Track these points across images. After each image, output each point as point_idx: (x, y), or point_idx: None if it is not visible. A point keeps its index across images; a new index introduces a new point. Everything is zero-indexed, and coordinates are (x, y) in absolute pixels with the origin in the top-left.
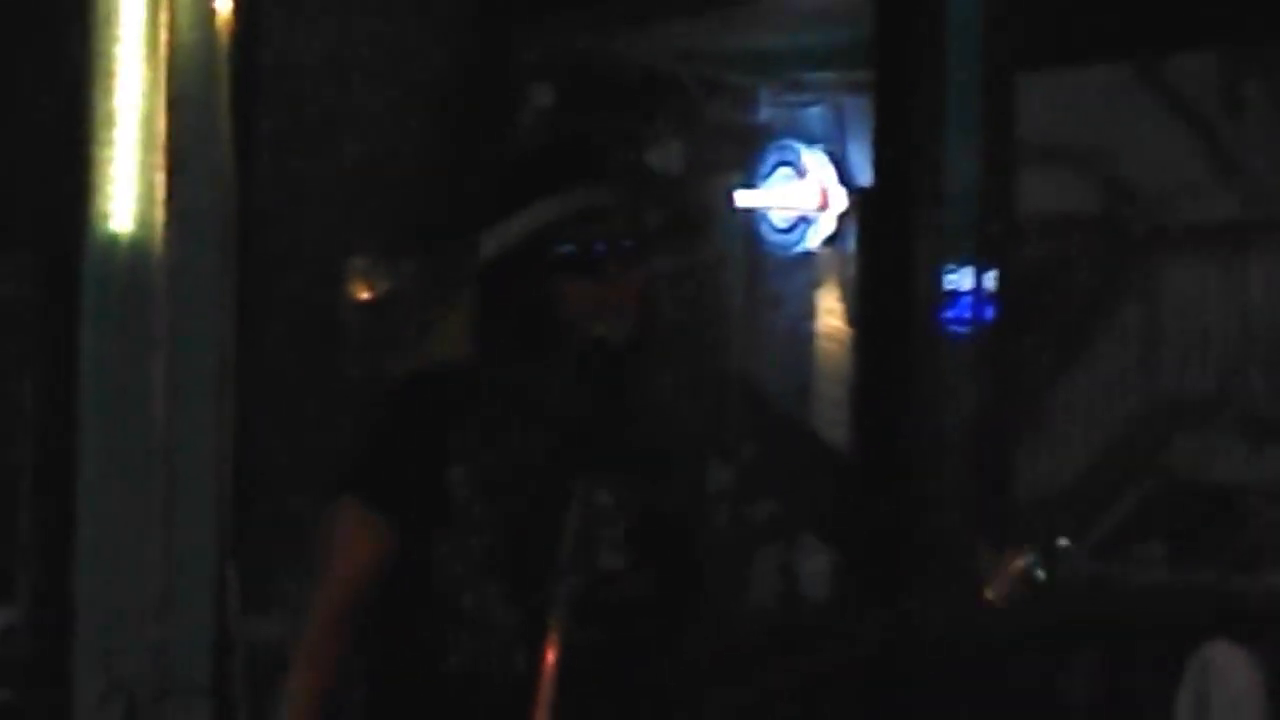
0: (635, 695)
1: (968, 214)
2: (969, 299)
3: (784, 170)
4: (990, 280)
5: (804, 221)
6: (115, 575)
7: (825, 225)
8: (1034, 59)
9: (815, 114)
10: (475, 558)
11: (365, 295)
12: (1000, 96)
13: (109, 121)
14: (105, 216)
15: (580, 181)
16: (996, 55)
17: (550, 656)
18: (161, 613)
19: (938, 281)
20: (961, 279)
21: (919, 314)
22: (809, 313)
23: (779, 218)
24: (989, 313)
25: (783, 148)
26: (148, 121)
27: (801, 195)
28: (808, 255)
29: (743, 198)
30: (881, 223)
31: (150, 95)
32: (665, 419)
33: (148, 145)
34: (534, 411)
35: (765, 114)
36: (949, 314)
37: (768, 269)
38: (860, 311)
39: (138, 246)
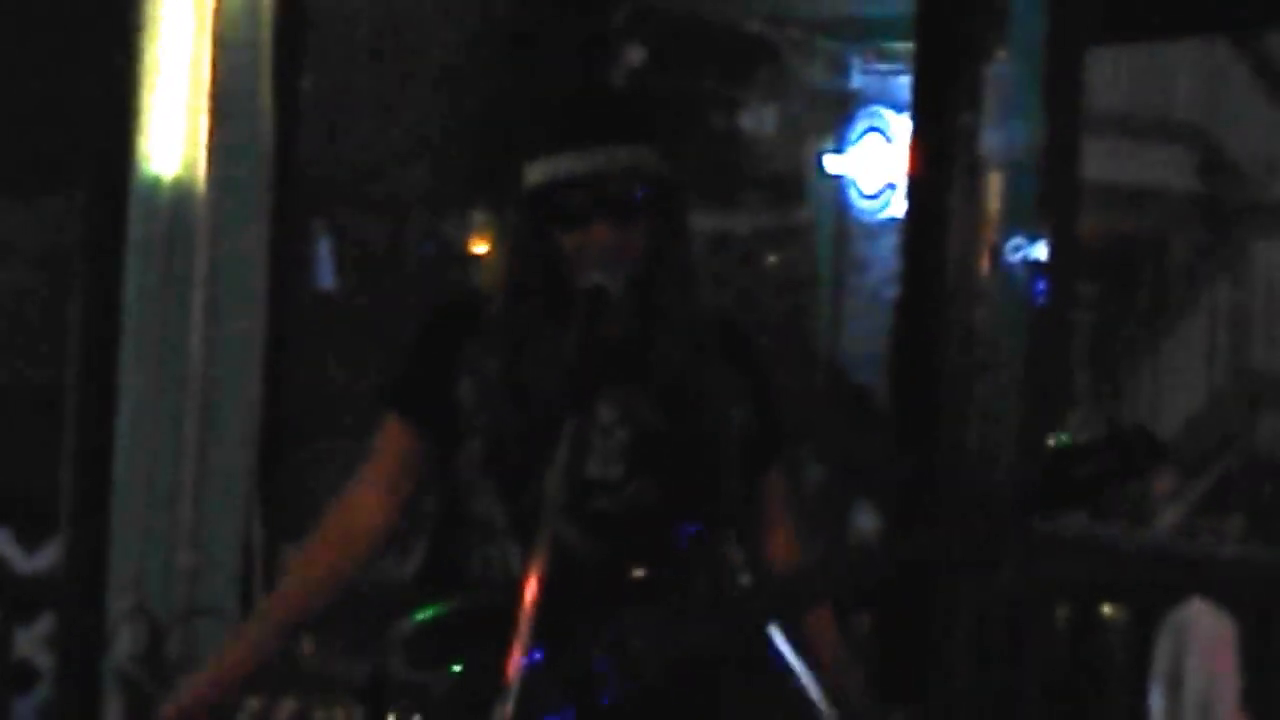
0: (646, 608)
1: (1027, 185)
2: (1023, 269)
3: (873, 136)
4: (1042, 251)
5: (891, 187)
6: (149, 504)
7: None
8: (1113, 32)
9: (905, 81)
10: (475, 463)
11: (482, 247)
12: (1067, 68)
13: (154, 66)
14: (149, 159)
15: (578, 140)
16: (1064, 27)
17: (537, 557)
18: (193, 540)
19: (978, 251)
20: (1017, 249)
21: (956, 283)
22: (894, 278)
23: (867, 183)
24: (1040, 284)
25: (872, 114)
26: (192, 66)
27: (889, 161)
28: (894, 221)
29: (832, 163)
30: (923, 192)
31: (195, 40)
32: (701, 343)
33: (192, 89)
34: (539, 338)
35: (856, 80)
36: (1002, 284)
37: (855, 234)
38: (903, 280)
39: (180, 188)
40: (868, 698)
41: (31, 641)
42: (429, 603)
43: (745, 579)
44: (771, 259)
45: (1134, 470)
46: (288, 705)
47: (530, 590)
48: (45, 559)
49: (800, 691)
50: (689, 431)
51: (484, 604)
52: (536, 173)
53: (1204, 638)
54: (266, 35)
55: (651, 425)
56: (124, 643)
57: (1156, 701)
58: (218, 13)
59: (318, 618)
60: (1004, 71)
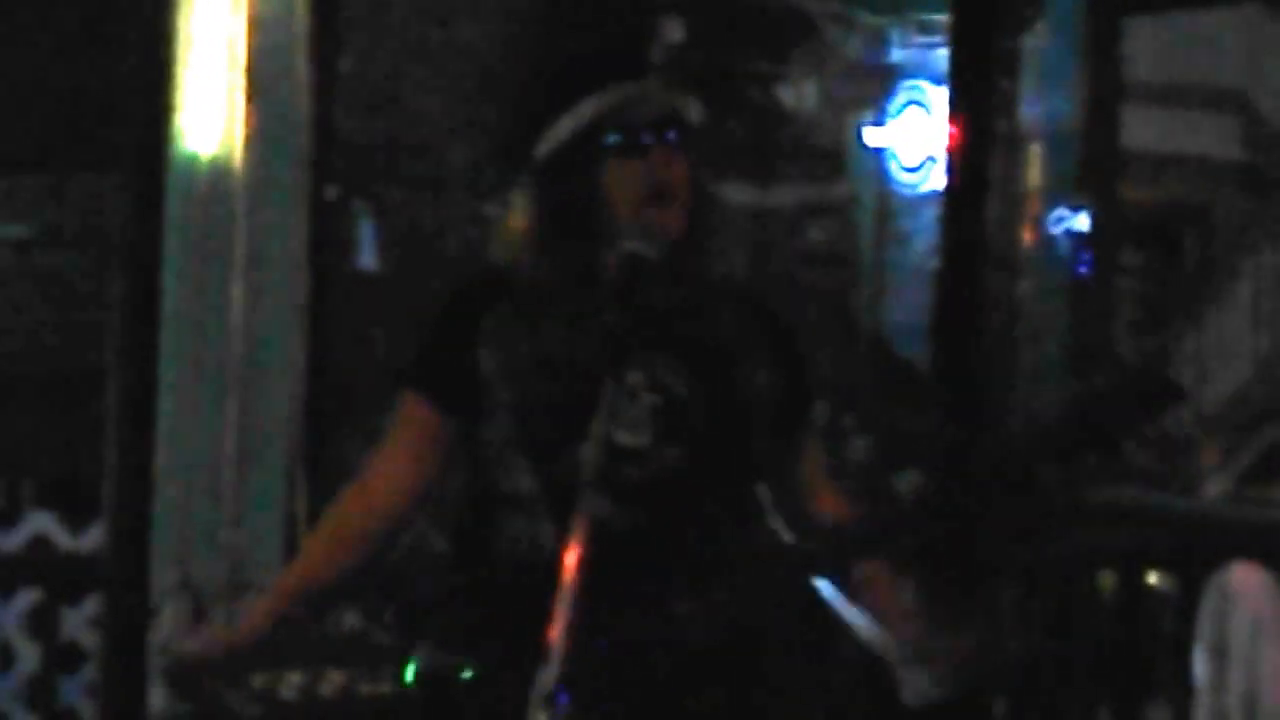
0: (683, 575)
1: (1069, 156)
2: (1066, 240)
3: (913, 109)
4: (1084, 221)
5: (932, 160)
6: (192, 484)
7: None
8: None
9: (945, 54)
10: (502, 437)
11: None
12: (1105, 38)
13: (190, 44)
14: (186, 137)
15: (621, 78)
16: None
17: (576, 532)
18: (237, 518)
19: (1019, 222)
20: (1058, 219)
21: (996, 254)
22: (936, 251)
23: (908, 156)
24: (1083, 254)
25: (912, 87)
26: (229, 43)
27: (930, 134)
28: (935, 193)
29: (872, 136)
30: (961, 164)
31: (231, 17)
32: (728, 309)
33: (229, 67)
34: (568, 308)
35: (895, 53)
36: (1044, 255)
37: (896, 207)
38: (943, 252)
39: (218, 166)
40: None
41: (79, 623)
42: (459, 579)
43: (785, 539)
44: (813, 233)
45: (1152, 412)
46: (333, 678)
47: (571, 561)
48: (91, 540)
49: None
50: (714, 396)
51: (516, 579)
52: (580, 113)
53: (1247, 600)
54: (302, 12)
55: (677, 391)
56: (168, 620)
57: (1201, 665)
58: None
59: (334, 595)
60: (1043, 43)
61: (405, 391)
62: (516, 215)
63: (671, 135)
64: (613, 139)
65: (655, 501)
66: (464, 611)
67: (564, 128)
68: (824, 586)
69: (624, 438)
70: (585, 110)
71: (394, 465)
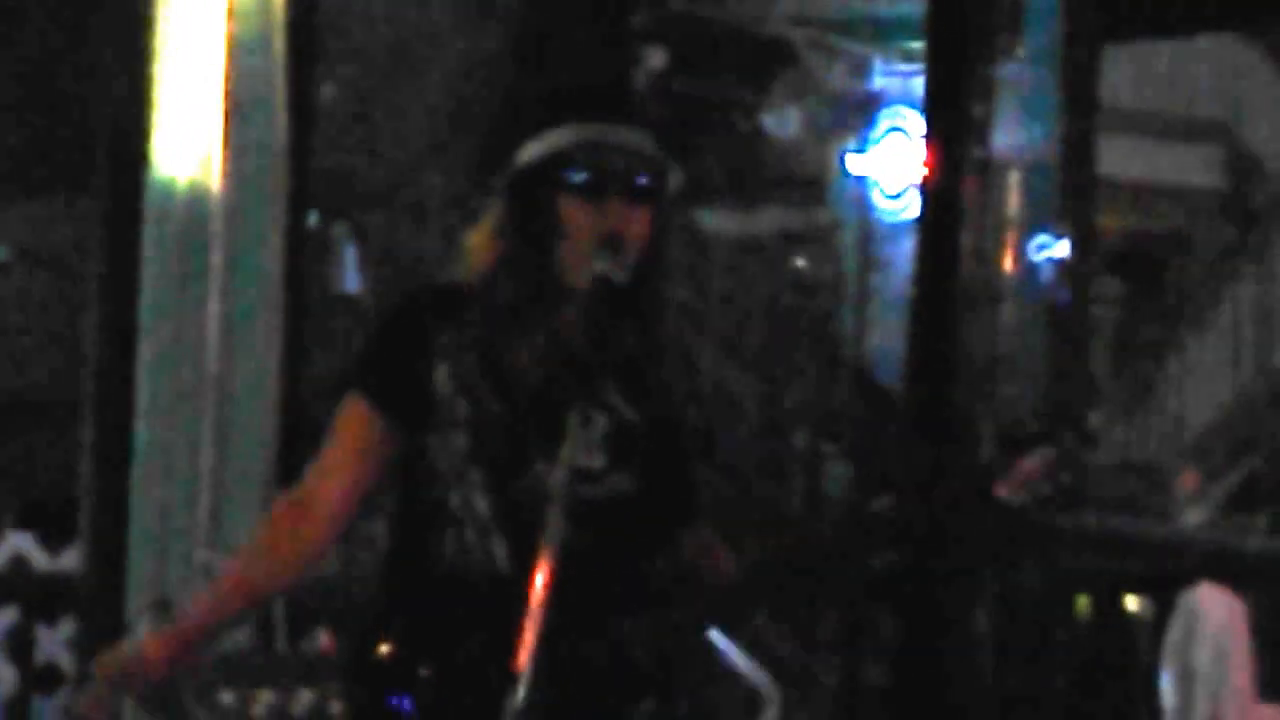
0: (624, 596)
1: (1045, 183)
2: (1044, 268)
3: (895, 136)
4: (1063, 249)
5: (914, 187)
6: (168, 505)
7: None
8: (1129, 29)
9: None
10: (457, 454)
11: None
12: (1083, 67)
13: (168, 68)
14: (164, 158)
15: (599, 116)
16: (1080, 25)
17: (545, 553)
18: (212, 540)
19: (996, 250)
20: (1038, 248)
21: (969, 282)
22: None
23: (890, 183)
24: (1061, 282)
25: (894, 114)
26: (207, 68)
27: (912, 161)
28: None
29: (855, 164)
30: (935, 191)
31: (209, 42)
32: (666, 347)
33: (206, 92)
34: (526, 328)
35: (877, 81)
36: (1022, 283)
37: (878, 234)
38: (917, 280)
39: (195, 190)
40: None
41: (56, 643)
42: (402, 594)
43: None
44: (795, 260)
45: (1068, 459)
46: (303, 697)
47: (542, 580)
48: (68, 561)
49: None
50: (657, 424)
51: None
52: (551, 140)
53: (1213, 621)
54: (280, 37)
55: (627, 416)
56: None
57: (1167, 684)
58: (231, 15)
59: (262, 606)
60: (1021, 71)
61: (350, 396)
62: (477, 233)
63: (638, 183)
64: (576, 176)
65: (605, 523)
66: (413, 625)
67: (532, 152)
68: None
69: (581, 459)
70: (556, 139)
71: (333, 477)
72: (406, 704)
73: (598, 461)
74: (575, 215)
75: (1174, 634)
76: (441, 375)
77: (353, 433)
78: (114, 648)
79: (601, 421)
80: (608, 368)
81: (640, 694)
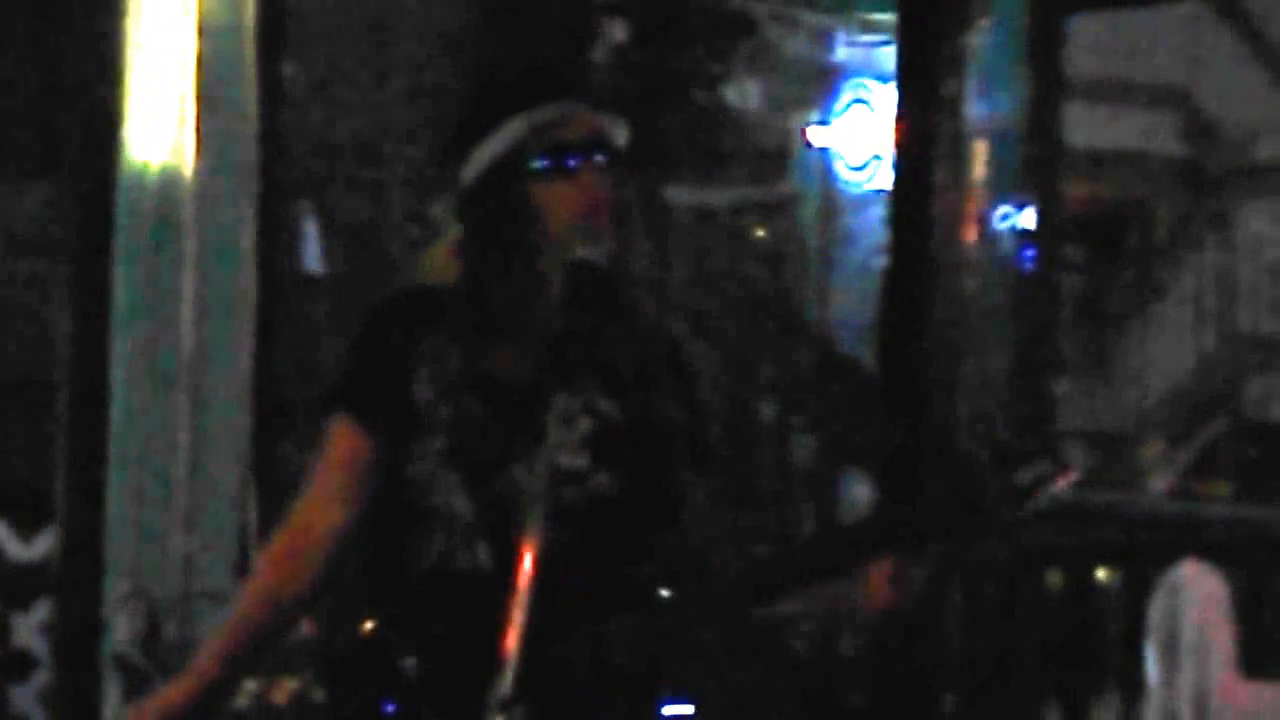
0: (605, 596)
1: (1010, 152)
2: (1010, 237)
3: (858, 108)
4: (1029, 218)
5: (877, 159)
6: (144, 490)
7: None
8: None
9: (889, 52)
10: (438, 456)
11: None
12: (1048, 36)
13: (138, 50)
14: (136, 144)
15: (545, 99)
16: None
17: (526, 552)
18: (188, 525)
19: (961, 219)
20: (1002, 217)
21: (942, 251)
22: (881, 249)
23: (853, 155)
24: (1028, 249)
25: (856, 85)
26: (178, 50)
27: (875, 133)
28: (880, 192)
29: (817, 136)
30: (906, 159)
31: (179, 25)
32: (646, 337)
33: (177, 75)
34: (505, 325)
35: (840, 52)
36: (989, 252)
37: (841, 206)
38: (890, 250)
39: (167, 174)
40: None
41: (28, 629)
42: (384, 591)
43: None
44: (757, 233)
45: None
46: (285, 685)
47: (524, 578)
48: (40, 547)
49: None
50: (640, 423)
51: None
52: (505, 133)
53: (1197, 598)
54: (249, 20)
55: (611, 416)
56: (122, 628)
57: (1152, 663)
58: None
59: (274, 640)
60: (986, 40)
61: (335, 416)
62: (441, 246)
63: (598, 157)
64: (539, 163)
65: (588, 523)
66: (395, 620)
67: (489, 151)
68: None
69: (564, 460)
70: (510, 132)
71: (329, 507)
72: (388, 700)
73: (581, 462)
74: (548, 198)
75: (1157, 610)
76: (422, 381)
77: (342, 454)
78: (136, 706)
79: (585, 422)
80: (590, 362)
81: (620, 695)
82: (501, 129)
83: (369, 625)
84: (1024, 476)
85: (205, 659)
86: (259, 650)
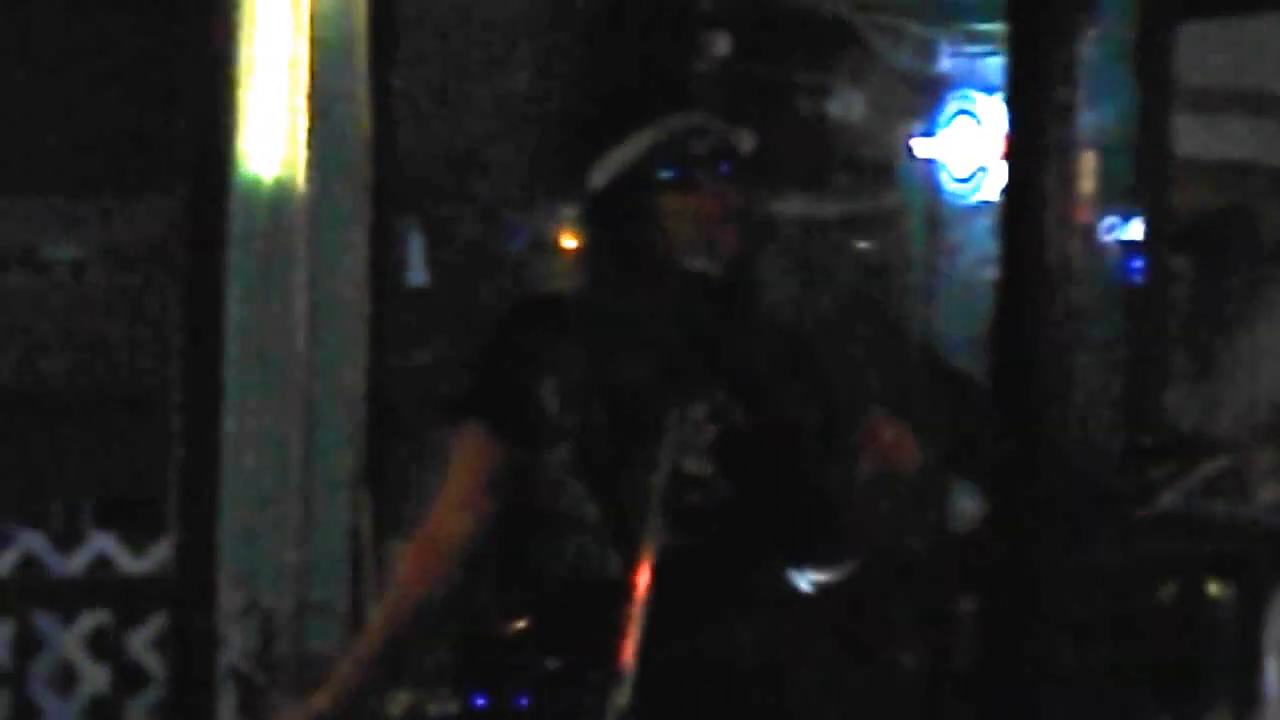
0: (729, 600)
1: (1121, 164)
2: (1118, 248)
3: (963, 119)
4: (1139, 229)
5: (983, 170)
6: (257, 503)
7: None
8: (1201, 7)
9: (994, 63)
10: (565, 463)
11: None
12: (1157, 45)
13: (252, 65)
14: (249, 158)
15: (672, 110)
16: (1153, 4)
17: (645, 555)
18: (302, 537)
19: (1073, 230)
20: (1113, 228)
21: (1055, 261)
22: (987, 261)
23: (958, 167)
24: (1137, 260)
25: (962, 97)
26: (290, 65)
27: (980, 144)
28: (986, 204)
29: (922, 147)
30: (1019, 173)
31: (292, 39)
32: (774, 341)
33: (290, 88)
34: (630, 334)
35: (944, 63)
36: (1098, 263)
37: (946, 218)
38: (1001, 262)
39: (280, 187)
40: None
41: (141, 643)
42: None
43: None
44: (863, 244)
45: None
46: (400, 698)
47: (643, 584)
48: (152, 560)
49: None
50: (768, 428)
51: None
52: (636, 142)
53: None
54: (361, 33)
55: (737, 422)
56: (237, 641)
57: (1273, 673)
58: (314, 12)
59: (415, 645)
60: (1095, 50)
61: (463, 422)
62: (569, 245)
63: (724, 168)
64: (667, 173)
65: (713, 528)
66: (525, 631)
67: (617, 160)
68: None
69: (690, 465)
70: (639, 143)
71: (460, 510)
72: (524, 695)
73: (707, 468)
74: (673, 209)
75: (1276, 620)
76: (550, 388)
77: (469, 460)
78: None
79: (710, 429)
80: (714, 368)
81: (743, 698)
82: (631, 138)
83: (519, 624)
84: (1156, 472)
85: (349, 665)
86: (401, 656)
